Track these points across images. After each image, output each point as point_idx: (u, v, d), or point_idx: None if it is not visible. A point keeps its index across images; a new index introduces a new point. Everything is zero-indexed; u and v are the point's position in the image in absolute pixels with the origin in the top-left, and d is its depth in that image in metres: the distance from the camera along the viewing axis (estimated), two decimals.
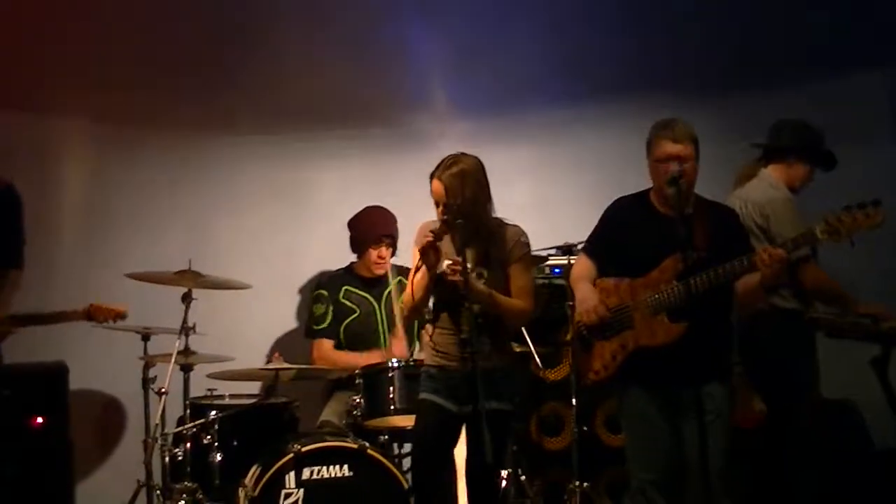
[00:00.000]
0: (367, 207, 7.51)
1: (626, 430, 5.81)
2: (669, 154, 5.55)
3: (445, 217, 5.63)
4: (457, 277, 5.49)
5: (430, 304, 5.90)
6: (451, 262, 5.56)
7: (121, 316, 6.83)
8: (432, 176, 5.70)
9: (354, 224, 7.50)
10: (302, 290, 8.13)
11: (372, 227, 7.38)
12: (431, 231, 5.59)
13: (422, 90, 8.24)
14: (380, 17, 7.92)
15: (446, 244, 5.71)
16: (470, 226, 5.60)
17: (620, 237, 5.75)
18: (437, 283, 5.70)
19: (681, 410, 5.51)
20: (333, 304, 7.44)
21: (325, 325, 7.44)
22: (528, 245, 5.77)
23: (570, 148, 8.34)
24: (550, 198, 8.28)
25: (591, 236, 5.95)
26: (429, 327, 5.87)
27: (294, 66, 7.94)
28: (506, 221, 5.77)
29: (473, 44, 8.07)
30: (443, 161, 5.71)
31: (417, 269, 5.71)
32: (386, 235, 7.35)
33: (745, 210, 6.42)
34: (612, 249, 5.77)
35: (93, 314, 6.77)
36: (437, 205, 5.70)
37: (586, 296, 5.73)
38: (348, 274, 7.54)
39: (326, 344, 7.43)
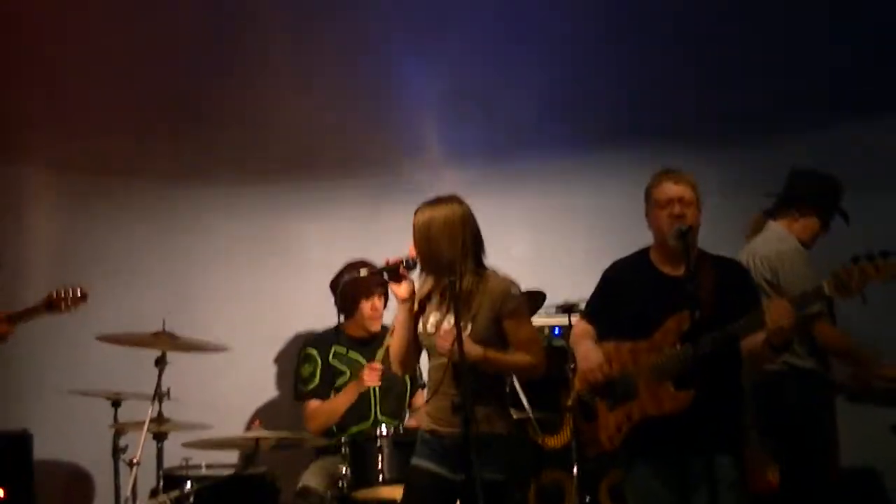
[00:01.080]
0: (348, 264, 7.39)
1: None
2: (671, 197, 5.53)
3: (406, 260, 5.66)
4: (448, 345, 5.48)
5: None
6: (445, 330, 5.55)
7: (83, 299, 6.85)
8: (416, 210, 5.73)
9: (338, 283, 7.39)
10: (285, 352, 8.07)
11: (361, 280, 7.28)
12: (395, 262, 5.64)
13: (413, 137, 8.29)
14: (369, 60, 7.92)
15: (426, 296, 5.74)
16: (444, 278, 5.59)
17: (620, 299, 5.69)
18: (426, 344, 5.71)
19: (690, 483, 5.42)
20: (322, 364, 7.36)
21: (313, 385, 7.35)
22: (519, 296, 5.71)
23: (571, 199, 8.34)
24: (549, 251, 8.29)
25: (589, 300, 5.92)
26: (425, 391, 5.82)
27: (278, 112, 8.01)
28: (495, 273, 5.72)
29: (468, 89, 8.13)
30: (426, 201, 5.71)
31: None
32: (378, 285, 7.27)
33: (753, 265, 6.38)
34: (612, 313, 5.71)
35: (54, 304, 6.83)
36: None
37: (589, 354, 5.67)
38: (338, 334, 7.41)
39: (315, 403, 7.34)
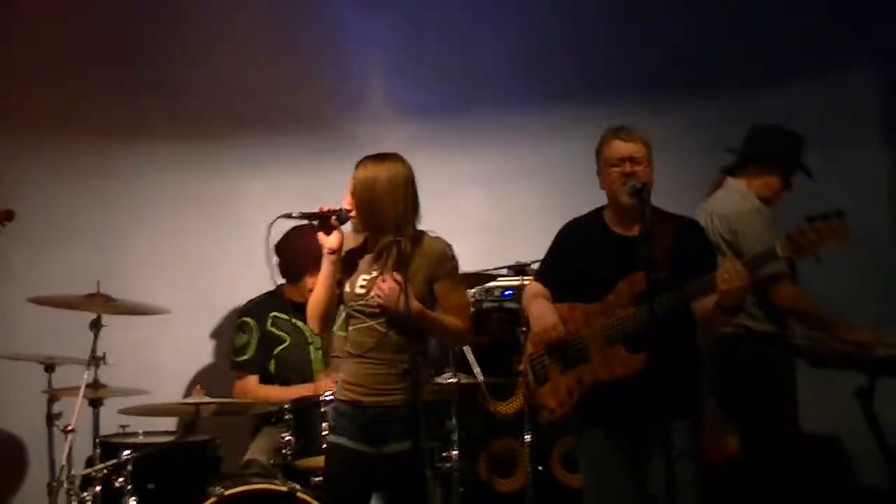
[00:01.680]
0: (296, 228, 7.28)
1: (583, 474, 5.76)
2: (622, 154, 5.57)
3: (340, 211, 5.63)
4: (387, 290, 5.45)
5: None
6: (386, 279, 5.51)
7: (8, 217, 6.75)
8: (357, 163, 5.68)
9: (285, 248, 7.29)
10: (225, 316, 7.99)
11: (307, 252, 7.16)
12: (328, 210, 5.60)
13: (360, 92, 8.24)
14: (312, 6, 7.86)
15: (362, 258, 5.70)
16: (380, 237, 5.58)
17: (573, 261, 5.73)
18: (352, 307, 5.66)
19: (644, 449, 5.47)
20: (260, 333, 7.31)
21: (247, 356, 7.32)
22: (455, 258, 5.71)
23: (524, 156, 8.28)
24: (502, 212, 8.25)
25: (542, 262, 5.96)
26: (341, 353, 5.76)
27: (215, 62, 8.01)
28: (429, 234, 5.70)
29: (419, 39, 8.16)
30: (369, 156, 5.68)
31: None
32: None
33: (711, 224, 6.40)
34: (566, 275, 5.74)
35: None
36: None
37: (543, 314, 5.69)
38: (276, 298, 7.36)
39: (251, 379, 7.31)
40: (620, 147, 5.58)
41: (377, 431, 5.53)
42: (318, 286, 5.72)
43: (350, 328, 5.70)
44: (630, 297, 5.47)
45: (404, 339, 5.49)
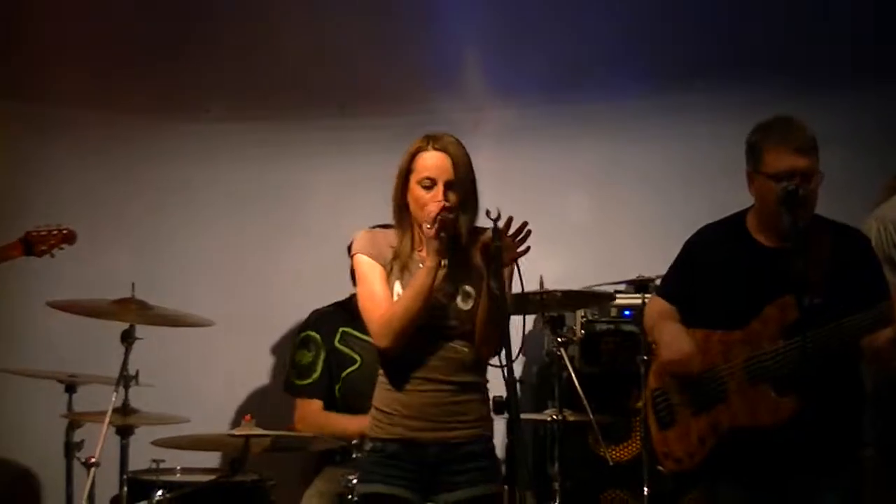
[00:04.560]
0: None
1: None
2: (795, 168, 5.26)
3: (447, 201, 5.25)
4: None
5: None
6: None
7: (69, 239, 6.78)
8: (422, 149, 5.39)
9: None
10: (282, 332, 7.97)
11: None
12: (440, 214, 5.19)
13: (452, 69, 8.16)
14: None
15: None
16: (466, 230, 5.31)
17: (706, 277, 5.53)
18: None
19: None
20: (327, 351, 7.22)
21: (311, 379, 7.21)
22: None
23: (648, 150, 8.15)
24: (618, 216, 8.13)
25: (667, 275, 5.79)
26: (383, 380, 5.45)
27: (282, 33, 8.00)
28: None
29: (521, 12, 8.05)
30: (433, 135, 5.41)
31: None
32: None
33: (883, 234, 6.14)
34: (696, 293, 5.55)
35: (32, 243, 6.74)
36: (429, 184, 5.32)
37: (676, 340, 5.48)
38: (347, 311, 7.21)
39: (315, 405, 7.20)
40: (794, 161, 5.27)
41: (429, 477, 5.28)
42: (417, 295, 5.29)
43: (407, 347, 5.35)
44: (779, 327, 5.28)
45: (473, 355, 5.24)
